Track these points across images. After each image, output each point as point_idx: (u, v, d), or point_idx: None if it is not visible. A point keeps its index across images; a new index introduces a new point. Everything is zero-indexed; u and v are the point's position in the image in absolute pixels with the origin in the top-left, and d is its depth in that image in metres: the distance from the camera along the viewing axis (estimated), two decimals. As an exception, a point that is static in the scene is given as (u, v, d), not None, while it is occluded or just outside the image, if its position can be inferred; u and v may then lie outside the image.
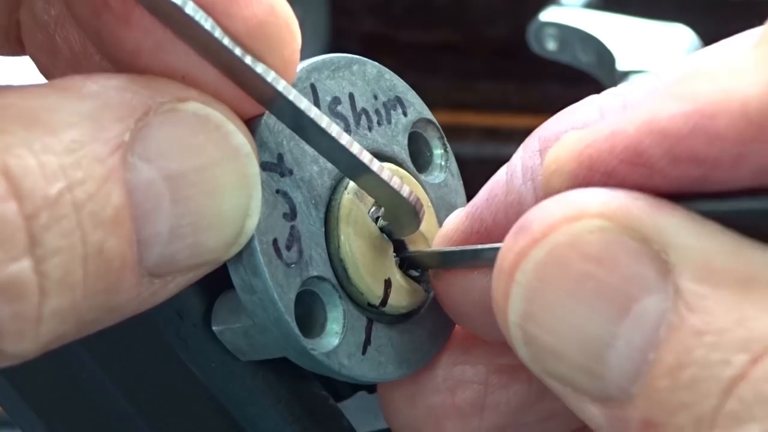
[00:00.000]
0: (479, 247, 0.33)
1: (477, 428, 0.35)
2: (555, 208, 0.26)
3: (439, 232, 0.34)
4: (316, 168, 0.32)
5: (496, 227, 0.32)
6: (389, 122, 0.35)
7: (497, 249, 0.32)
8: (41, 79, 0.33)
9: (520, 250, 0.26)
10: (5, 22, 0.33)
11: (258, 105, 0.30)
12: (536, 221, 0.26)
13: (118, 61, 0.29)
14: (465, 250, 0.33)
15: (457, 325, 0.36)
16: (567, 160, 0.27)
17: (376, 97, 0.35)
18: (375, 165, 0.31)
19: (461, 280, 0.33)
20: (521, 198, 0.32)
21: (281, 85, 0.29)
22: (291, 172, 0.32)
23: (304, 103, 0.30)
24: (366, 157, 0.31)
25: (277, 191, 0.31)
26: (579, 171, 0.26)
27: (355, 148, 0.31)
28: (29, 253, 0.25)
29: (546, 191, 0.27)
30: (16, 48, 0.34)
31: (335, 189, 0.33)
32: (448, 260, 0.34)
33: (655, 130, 0.25)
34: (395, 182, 0.32)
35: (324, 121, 0.30)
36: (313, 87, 0.33)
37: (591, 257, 0.25)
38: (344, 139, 0.30)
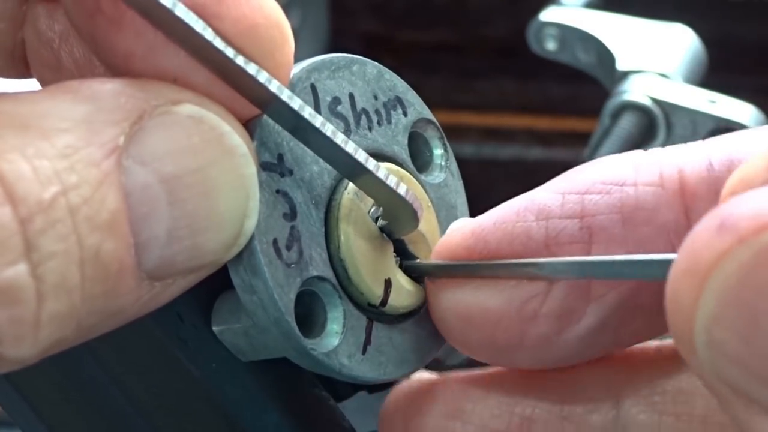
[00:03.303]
0: (478, 263, 0.33)
1: None
2: (765, 205, 0.24)
3: (442, 241, 0.34)
4: (317, 168, 0.32)
5: (498, 253, 0.32)
6: (389, 122, 0.35)
7: (495, 265, 0.32)
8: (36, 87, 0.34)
9: (723, 247, 0.24)
10: (10, 42, 0.33)
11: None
12: (744, 218, 0.24)
13: (113, 66, 0.29)
14: (466, 264, 0.33)
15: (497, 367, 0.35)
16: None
17: (376, 97, 0.35)
18: (371, 164, 0.31)
19: (455, 291, 0.33)
20: (529, 234, 0.32)
21: (274, 86, 0.29)
22: (291, 172, 0.32)
23: (297, 103, 0.30)
24: (362, 156, 0.31)
25: (277, 191, 0.31)
26: None
27: (350, 147, 0.31)
28: (25, 257, 0.25)
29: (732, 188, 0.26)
30: (21, 69, 0.34)
31: (335, 189, 0.33)
32: (446, 273, 0.34)
33: None
34: (391, 180, 0.32)
35: (318, 120, 0.30)
36: (313, 87, 0.33)
37: None
38: (339, 138, 0.30)
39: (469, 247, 0.33)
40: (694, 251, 0.25)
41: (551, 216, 0.32)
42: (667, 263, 0.26)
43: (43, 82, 0.34)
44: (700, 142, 0.33)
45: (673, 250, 0.29)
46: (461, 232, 0.33)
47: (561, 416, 0.34)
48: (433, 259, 0.34)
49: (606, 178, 0.32)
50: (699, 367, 0.26)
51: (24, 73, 0.34)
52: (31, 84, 0.34)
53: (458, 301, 0.33)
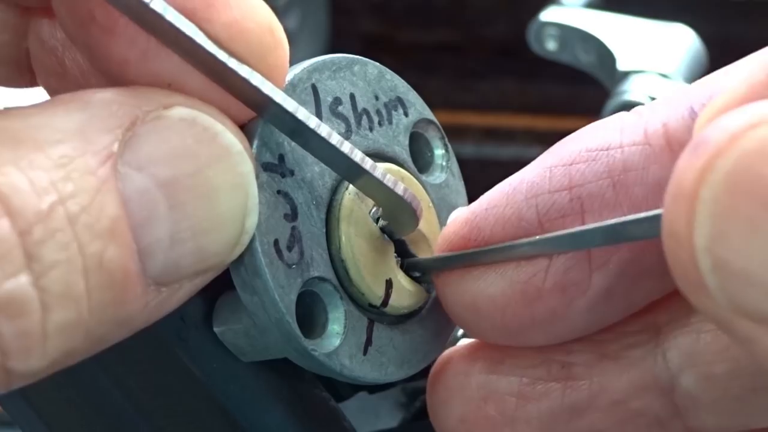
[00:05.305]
0: (477, 250, 0.33)
1: None
2: (734, 119, 0.24)
3: (441, 234, 0.34)
4: (318, 168, 0.32)
5: (493, 239, 0.32)
6: (390, 123, 0.35)
7: (493, 250, 0.32)
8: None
9: (703, 164, 0.24)
10: (15, 52, 0.34)
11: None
12: (715, 133, 0.24)
13: (108, 73, 0.29)
14: (464, 254, 0.33)
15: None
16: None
17: (377, 98, 0.35)
18: (368, 164, 0.31)
19: (460, 282, 0.33)
20: (521, 214, 0.32)
21: (267, 88, 0.29)
22: (292, 173, 0.32)
23: (292, 105, 0.29)
24: (358, 157, 0.31)
25: (278, 192, 0.31)
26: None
27: (347, 148, 0.31)
28: (27, 268, 0.25)
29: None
30: (27, 78, 0.34)
31: (336, 189, 0.33)
32: (448, 264, 0.34)
33: None
34: (389, 180, 0.32)
35: (314, 122, 0.30)
36: (314, 87, 0.33)
37: None
38: (335, 139, 0.30)
39: (464, 237, 0.33)
40: (677, 181, 0.25)
41: (540, 193, 0.32)
42: (659, 218, 0.26)
43: (50, 90, 0.34)
44: (682, 90, 0.32)
45: None
46: (456, 223, 0.33)
47: (601, 354, 0.34)
48: (437, 253, 0.34)
49: (591, 146, 0.32)
50: (711, 303, 0.25)
51: (30, 82, 0.34)
52: (38, 93, 0.34)
53: (463, 293, 0.33)
